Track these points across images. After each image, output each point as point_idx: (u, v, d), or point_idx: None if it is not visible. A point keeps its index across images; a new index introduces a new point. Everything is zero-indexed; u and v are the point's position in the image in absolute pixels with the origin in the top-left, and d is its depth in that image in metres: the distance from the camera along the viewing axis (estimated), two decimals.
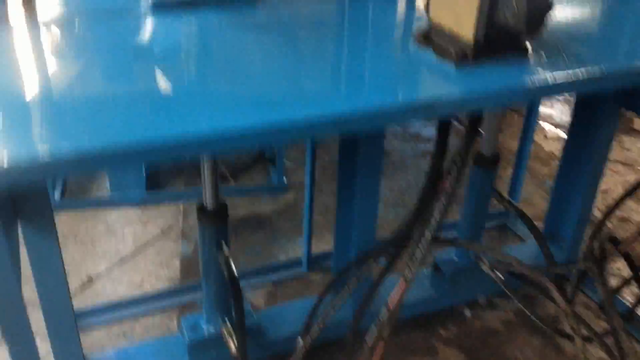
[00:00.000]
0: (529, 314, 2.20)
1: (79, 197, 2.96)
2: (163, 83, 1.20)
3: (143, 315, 2.31)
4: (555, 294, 1.76)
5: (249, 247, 2.70)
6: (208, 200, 1.79)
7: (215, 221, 1.80)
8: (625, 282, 2.04)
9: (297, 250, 2.66)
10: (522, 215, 2.12)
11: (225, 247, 1.82)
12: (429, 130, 3.70)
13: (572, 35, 1.50)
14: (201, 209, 1.81)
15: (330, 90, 1.20)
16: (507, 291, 2.17)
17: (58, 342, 1.76)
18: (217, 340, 1.99)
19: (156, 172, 3.15)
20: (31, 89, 1.15)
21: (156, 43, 1.47)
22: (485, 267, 2.25)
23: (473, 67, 1.17)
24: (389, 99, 1.11)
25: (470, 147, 1.37)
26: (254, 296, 2.42)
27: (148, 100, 1.12)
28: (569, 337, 2.23)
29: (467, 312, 2.36)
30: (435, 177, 1.49)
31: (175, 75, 1.26)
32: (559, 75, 1.20)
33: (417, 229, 1.56)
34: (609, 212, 2.16)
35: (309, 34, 1.53)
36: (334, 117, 1.02)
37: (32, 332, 1.54)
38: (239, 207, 2.94)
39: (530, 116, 2.63)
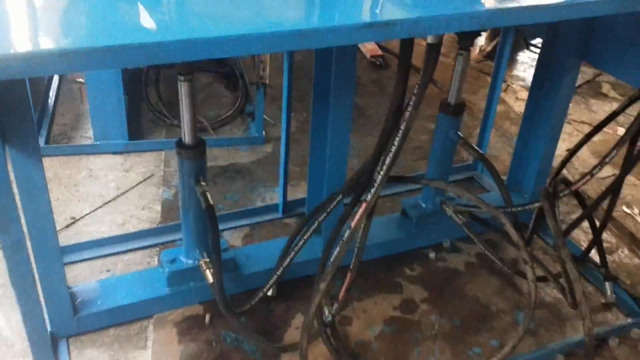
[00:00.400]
0: (490, 255, 2.34)
1: (62, 144, 3.04)
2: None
3: (125, 253, 2.42)
4: (510, 230, 1.90)
5: (229, 194, 2.81)
6: (187, 136, 1.90)
7: (193, 155, 1.91)
8: (578, 220, 2.19)
9: (274, 197, 2.78)
10: (482, 159, 2.25)
11: (202, 181, 1.93)
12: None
13: None
14: (180, 144, 1.91)
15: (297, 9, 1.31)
16: (469, 234, 2.32)
17: (44, 272, 1.88)
18: (195, 272, 2.11)
19: (138, 123, 3.24)
20: None
21: None
22: (449, 211, 2.39)
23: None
24: (353, 19, 1.22)
25: (427, 72, 1.48)
26: (232, 238, 2.54)
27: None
28: (526, 277, 2.38)
29: (432, 254, 2.51)
30: (397, 109, 1.60)
31: None
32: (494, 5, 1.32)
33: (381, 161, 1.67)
34: (565, 159, 2.31)
35: None
36: (294, 31, 1.13)
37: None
38: (219, 158, 3.05)
39: (497, 72, 2.75)
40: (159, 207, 2.68)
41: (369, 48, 4.23)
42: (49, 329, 1.97)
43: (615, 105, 3.75)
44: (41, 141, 2.96)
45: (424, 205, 2.49)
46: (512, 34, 2.66)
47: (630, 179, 3.14)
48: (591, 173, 2.02)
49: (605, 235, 2.70)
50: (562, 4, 1.42)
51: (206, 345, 2.06)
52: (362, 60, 4.20)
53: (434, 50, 1.45)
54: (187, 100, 1.84)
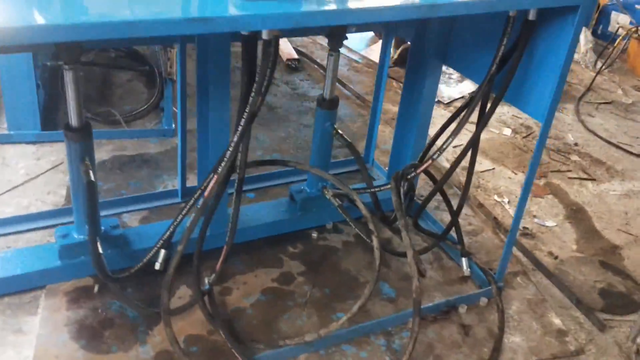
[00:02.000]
0: (363, 236, 2.61)
1: None
2: None
3: (26, 232, 2.59)
4: (360, 204, 2.18)
5: (133, 181, 3.02)
6: (73, 119, 2.10)
7: (78, 137, 2.11)
8: (430, 195, 2.48)
9: (176, 185, 3.00)
10: (350, 147, 2.52)
11: (87, 160, 2.14)
12: (316, 91, 4.09)
13: None
14: (67, 127, 2.12)
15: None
16: (343, 214, 2.58)
17: None
18: (85, 246, 2.30)
19: (55, 116, 3.42)
20: None
21: None
22: (328, 195, 2.65)
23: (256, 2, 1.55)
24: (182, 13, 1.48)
25: (265, 64, 1.72)
26: (130, 220, 2.74)
27: None
28: (396, 254, 2.67)
29: (314, 234, 2.77)
30: (244, 96, 1.84)
31: None
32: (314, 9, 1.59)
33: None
34: (426, 150, 2.60)
35: None
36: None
37: None
38: (128, 148, 3.25)
39: (380, 74, 3.04)
40: (64, 192, 2.86)
41: (286, 52, 4.50)
42: None
43: (505, 109, 4.13)
44: None
45: (308, 190, 2.75)
46: (391, 39, 2.95)
47: (506, 172, 3.48)
48: (431, 158, 2.31)
49: (473, 220, 3.02)
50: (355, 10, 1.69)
51: (92, 312, 2.26)
52: (279, 63, 4.45)
53: (269, 45, 1.70)
54: (73, 87, 2.05)
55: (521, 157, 3.64)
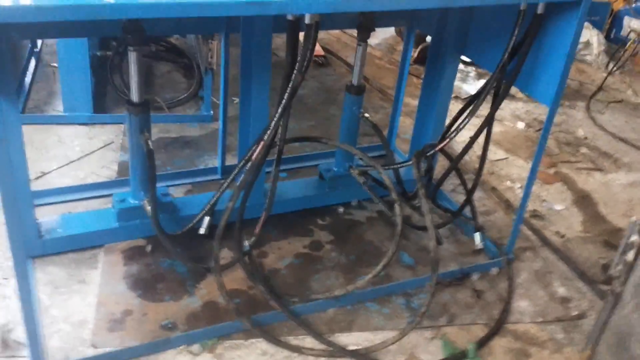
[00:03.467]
0: (385, 210, 2.87)
1: (35, 114, 3.53)
2: None
3: (84, 200, 2.90)
4: (384, 176, 2.45)
5: (177, 159, 3.32)
6: (134, 95, 2.41)
7: (139, 111, 2.41)
8: (446, 172, 2.75)
9: (215, 164, 3.29)
10: (375, 128, 2.80)
11: (146, 132, 2.44)
12: (341, 85, 4.37)
13: None
14: (129, 102, 2.42)
15: None
16: (367, 190, 2.85)
17: (17, 208, 2.36)
18: (140, 211, 2.61)
19: (104, 101, 3.74)
20: None
21: None
22: (354, 173, 2.92)
23: None
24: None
25: (307, 45, 2.01)
26: (176, 192, 3.04)
27: None
28: (415, 227, 2.93)
29: (341, 210, 3.04)
30: (287, 74, 2.12)
31: None
32: None
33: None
34: (444, 133, 2.86)
35: None
36: None
37: None
38: (171, 131, 3.56)
39: (403, 67, 3.31)
40: (115, 167, 3.18)
41: None
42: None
43: (519, 104, 4.38)
44: (27, 109, 3.45)
45: (335, 169, 3.03)
46: (412, 32, 3.23)
47: (519, 161, 3.73)
48: (449, 137, 2.58)
49: (486, 202, 3.28)
50: None
51: (146, 267, 2.56)
52: None
53: (310, 29, 1.99)
54: (135, 67, 2.35)
55: (533, 148, 3.88)
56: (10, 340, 2.17)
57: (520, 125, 4.15)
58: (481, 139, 2.64)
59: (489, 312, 2.55)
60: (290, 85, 2.07)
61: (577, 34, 2.28)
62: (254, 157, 2.18)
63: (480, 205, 3.22)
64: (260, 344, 2.29)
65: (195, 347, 2.24)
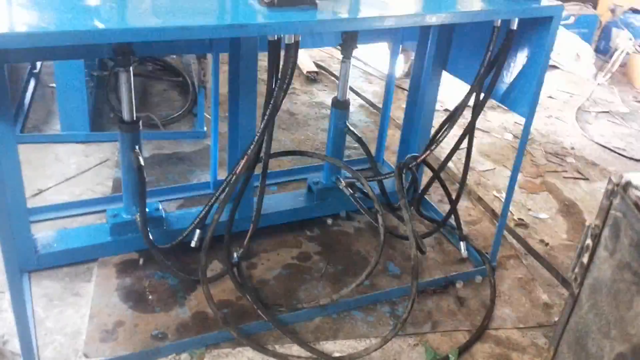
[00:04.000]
0: (373, 221, 2.95)
1: (33, 133, 3.63)
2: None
3: (79, 215, 2.99)
4: (367, 187, 2.53)
5: (170, 175, 3.42)
6: (125, 114, 2.51)
7: (130, 129, 2.51)
8: (429, 182, 2.83)
9: (208, 179, 3.38)
10: (360, 141, 2.88)
11: (136, 149, 2.53)
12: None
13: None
14: (121, 121, 2.52)
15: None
16: (353, 201, 2.93)
17: (15, 223, 2.46)
18: (132, 225, 2.69)
19: (100, 120, 3.85)
20: None
21: None
22: (341, 186, 3.01)
23: (277, 9, 1.93)
24: (220, 21, 1.87)
25: (288, 67, 2.10)
26: (168, 207, 3.13)
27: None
28: (400, 237, 3.01)
29: (329, 221, 3.12)
30: (269, 92, 2.21)
31: None
32: (328, 18, 1.97)
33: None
34: (427, 147, 2.95)
35: None
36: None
37: None
38: (165, 148, 3.66)
39: (389, 86, 3.40)
40: (110, 183, 3.27)
41: (306, 65, 4.91)
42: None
43: (508, 116, 4.47)
44: (17, 130, 3.55)
45: (323, 181, 3.12)
46: (396, 49, 3.32)
47: (505, 172, 3.81)
48: (430, 149, 2.66)
49: (472, 212, 3.35)
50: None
51: (138, 280, 2.64)
52: (300, 75, 4.88)
53: (290, 48, 2.09)
54: (125, 87, 2.45)
55: None
56: (7, 351, 2.25)
57: (508, 136, 4.23)
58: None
59: (471, 318, 2.62)
60: (271, 102, 2.16)
61: (549, 49, 2.37)
62: (237, 170, 2.27)
63: (466, 215, 3.30)
64: (248, 352, 2.36)
65: (184, 356, 2.32)
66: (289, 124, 4.07)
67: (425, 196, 3.21)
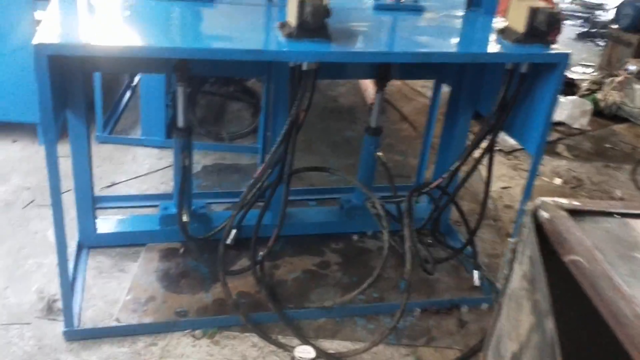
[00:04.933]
0: (391, 242, 3.16)
1: (121, 136, 4.22)
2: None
3: (142, 207, 3.47)
4: (378, 206, 2.78)
5: (226, 182, 3.84)
6: (180, 120, 2.94)
7: (182, 135, 2.94)
8: (444, 205, 3.01)
9: None
10: (384, 164, 3.13)
11: (186, 152, 2.95)
12: (390, 131, 4.74)
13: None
14: (175, 126, 2.96)
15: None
16: (377, 221, 3.16)
17: (80, 205, 2.97)
18: (177, 217, 3.11)
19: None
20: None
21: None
22: (370, 207, 3.26)
23: (296, 40, 2.27)
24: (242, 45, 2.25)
25: (303, 94, 2.43)
26: (218, 208, 3.53)
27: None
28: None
29: (355, 237, 3.37)
30: (294, 119, 2.54)
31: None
32: (339, 49, 2.28)
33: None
34: (451, 174, 3.14)
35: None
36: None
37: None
38: (226, 159, 4.10)
39: (431, 117, 3.63)
40: (173, 184, 3.74)
41: (370, 95, 5.21)
42: (77, 240, 3.04)
43: (563, 162, 4.51)
44: (107, 132, 4.16)
45: (354, 200, 3.39)
46: (438, 84, 3.55)
47: None
48: (442, 176, 2.86)
49: (499, 246, 3.46)
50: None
51: (175, 265, 3.04)
52: (364, 105, 5.19)
53: (309, 75, 2.42)
54: (182, 98, 2.89)
55: None
56: (55, 308, 2.71)
57: (557, 181, 4.27)
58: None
59: (467, 340, 2.75)
60: (289, 119, 2.50)
61: (556, 92, 2.52)
62: (254, 175, 2.62)
63: (491, 249, 3.41)
64: (253, 338, 2.66)
65: (198, 332, 2.66)
66: (342, 150, 4.38)
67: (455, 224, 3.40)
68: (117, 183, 3.70)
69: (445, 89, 3.35)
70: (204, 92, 4.82)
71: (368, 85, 5.27)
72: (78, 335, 2.57)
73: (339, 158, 4.26)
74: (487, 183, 2.96)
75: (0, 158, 3.87)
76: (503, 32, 2.60)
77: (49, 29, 2.19)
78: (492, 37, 2.67)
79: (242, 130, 4.45)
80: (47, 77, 2.06)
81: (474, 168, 2.88)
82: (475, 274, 3.09)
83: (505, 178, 4.29)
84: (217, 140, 4.32)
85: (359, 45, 2.42)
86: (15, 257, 3.02)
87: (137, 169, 3.88)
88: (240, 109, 4.89)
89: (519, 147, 4.73)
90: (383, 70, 3.03)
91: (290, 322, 2.74)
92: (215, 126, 4.53)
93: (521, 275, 1.54)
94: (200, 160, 4.05)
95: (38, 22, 2.90)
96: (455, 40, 2.84)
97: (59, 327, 2.59)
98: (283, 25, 2.38)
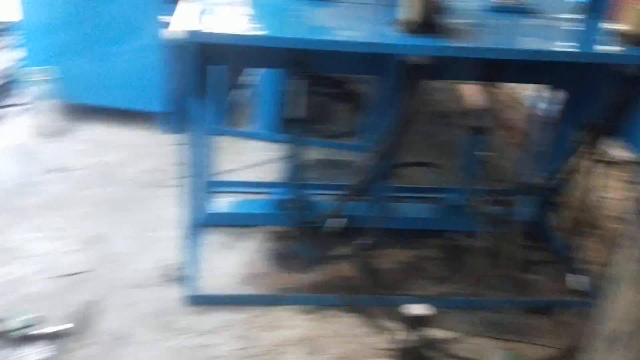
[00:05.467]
0: (494, 241, 3.23)
1: (236, 129, 4.58)
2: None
3: (253, 193, 3.76)
4: (485, 208, 2.89)
5: (329, 176, 4.06)
6: (291, 111, 3.16)
7: (298, 125, 3.17)
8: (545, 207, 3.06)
9: None
10: (487, 165, 3.21)
11: (303, 144, 3.18)
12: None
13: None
14: (288, 118, 3.19)
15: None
16: (484, 224, 3.22)
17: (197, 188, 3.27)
18: (292, 203, 3.32)
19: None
20: None
21: None
22: (476, 205, 3.32)
23: (417, 35, 2.45)
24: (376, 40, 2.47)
25: (413, 92, 2.59)
26: (322, 198, 3.75)
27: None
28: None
29: (458, 236, 3.43)
30: (407, 119, 2.71)
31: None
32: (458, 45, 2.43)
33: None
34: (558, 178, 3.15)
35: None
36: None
37: None
38: (329, 155, 4.34)
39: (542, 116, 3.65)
40: (283, 174, 4.01)
41: (473, 100, 5.25)
42: (197, 218, 3.36)
43: None
44: (224, 125, 4.52)
45: (455, 199, 3.49)
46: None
47: None
48: (548, 178, 2.91)
49: (593, 246, 3.42)
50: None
51: (283, 246, 3.29)
52: (464, 112, 5.22)
53: (422, 71, 2.57)
54: (295, 86, 3.11)
55: None
56: (175, 276, 3.00)
57: None
58: None
59: (566, 340, 2.78)
60: (396, 117, 2.68)
61: None
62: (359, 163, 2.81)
63: (591, 255, 3.39)
64: (357, 319, 2.87)
65: (308, 308, 2.89)
66: (440, 153, 4.47)
67: None
68: (232, 170, 4.02)
69: (547, 95, 3.40)
70: (312, 92, 5.08)
71: (471, 92, 5.32)
72: (198, 300, 2.88)
73: (438, 160, 4.36)
74: (589, 191, 2.98)
75: (127, 142, 4.32)
76: (623, 36, 2.63)
77: (184, 24, 2.43)
78: (613, 40, 2.68)
79: (344, 130, 4.68)
80: (195, 63, 2.35)
81: (579, 174, 2.92)
82: (571, 277, 3.11)
83: (609, 189, 4.20)
84: (327, 138, 4.55)
85: (480, 42, 2.55)
86: (141, 229, 3.39)
87: (248, 160, 4.19)
88: (342, 109, 5.11)
89: (625, 158, 4.62)
90: (495, 72, 3.11)
91: (392, 307, 2.89)
92: (327, 125, 4.78)
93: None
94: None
95: (164, 23, 3.06)
96: (576, 42, 2.91)
97: (179, 293, 2.90)
98: (400, 21, 2.54)
